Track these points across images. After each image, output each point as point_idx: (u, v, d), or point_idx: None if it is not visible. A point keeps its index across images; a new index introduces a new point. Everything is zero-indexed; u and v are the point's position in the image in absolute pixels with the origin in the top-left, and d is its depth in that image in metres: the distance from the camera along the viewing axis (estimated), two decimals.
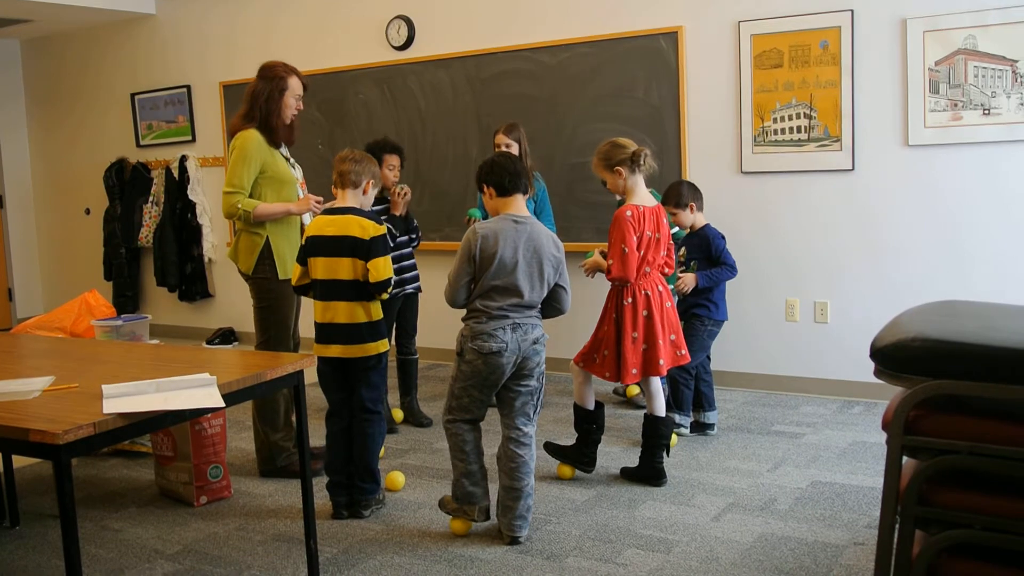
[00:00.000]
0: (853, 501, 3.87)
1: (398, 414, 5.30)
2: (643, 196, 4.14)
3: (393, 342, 5.26)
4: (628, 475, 4.23)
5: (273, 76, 4.34)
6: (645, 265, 4.10)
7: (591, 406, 4.25)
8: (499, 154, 3.80)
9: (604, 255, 4.22)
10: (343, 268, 3.79)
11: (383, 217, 5.00)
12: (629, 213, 4.04)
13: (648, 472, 4.16)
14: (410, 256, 5.20)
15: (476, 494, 3.65)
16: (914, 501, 2.35)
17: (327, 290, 3.84)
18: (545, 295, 3.63)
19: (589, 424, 4.25)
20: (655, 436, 4.18)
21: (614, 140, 4.19)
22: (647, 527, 3.69)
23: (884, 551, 2.42)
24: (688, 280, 4.74)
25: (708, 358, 4.91)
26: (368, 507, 3.92)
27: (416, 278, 5.26)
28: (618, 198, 4.39)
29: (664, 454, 4.19)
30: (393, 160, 5.09)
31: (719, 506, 3.88)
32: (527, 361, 3.57)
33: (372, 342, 3.86)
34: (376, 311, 3.87)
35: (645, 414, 4.24)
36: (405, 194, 4.99)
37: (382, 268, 3.75)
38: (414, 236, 5.19)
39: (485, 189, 3.68)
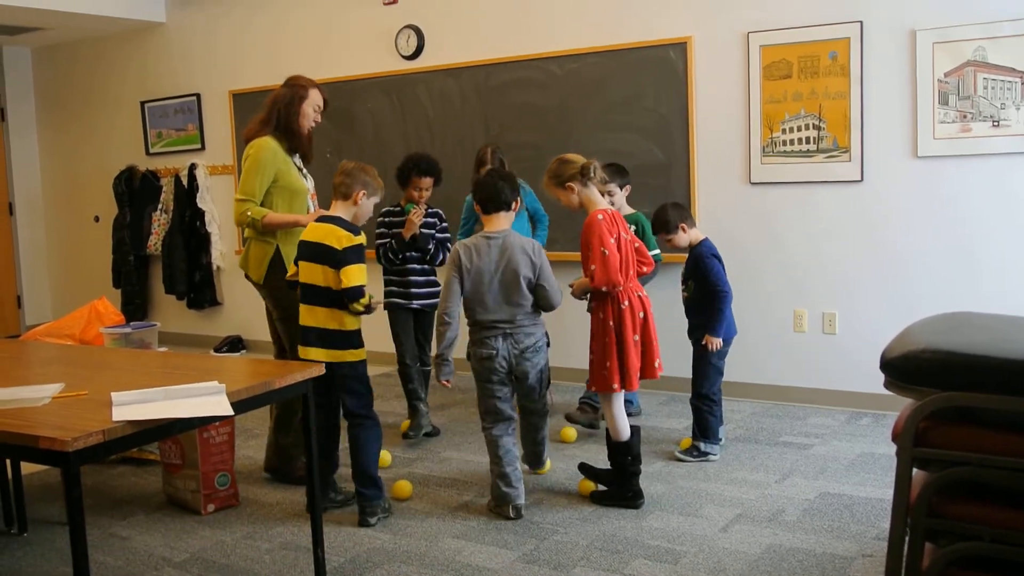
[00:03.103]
0: (862, 513, 3.86)
1: (405, 423, 5.30)
2: (603, 203, 4.09)
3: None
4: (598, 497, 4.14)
5: (296, 84, 4.43)
6: (629, 267, 4.05)
7: (625, 436, 4.07)
8: (488, 172, 4.27)
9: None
10: (318, 274, 3.86)
11: (392, 231, 5.10)
12: (600, 217, 3.97)
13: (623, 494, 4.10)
14: (425, 273, 5.20)
15: (509, 495, 3.96)
16: (924, 513, 2.35)
17: (306, 293, 3.92)
18: (530, 298, 3.97)
19: (624, 456, 4.06)
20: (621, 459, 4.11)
21: (561, 157, 4.12)
22: (655, 537, 3.68)
23: (894, 563, 2.41)
24: (712, 342, 4.57)
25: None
26: (374, 514, 3.92)
27: (435, 295, 5.23)
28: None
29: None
30: (423, 183, 5.06)
31: (727, 517, 3.87)
32: (522, 365, 3.99)
33: (343, 349, 3.88)
34: (350, 321, 3.88)
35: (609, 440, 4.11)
36: (417, 215, 5.00)
37: (352, 275, 3.77)
38: (428, 257, 5.15)
39: (476, 205, 4.11)
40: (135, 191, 8.62)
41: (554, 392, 6.00)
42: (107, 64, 8.83)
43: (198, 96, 8.20)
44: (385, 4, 6.96)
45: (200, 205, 8.19)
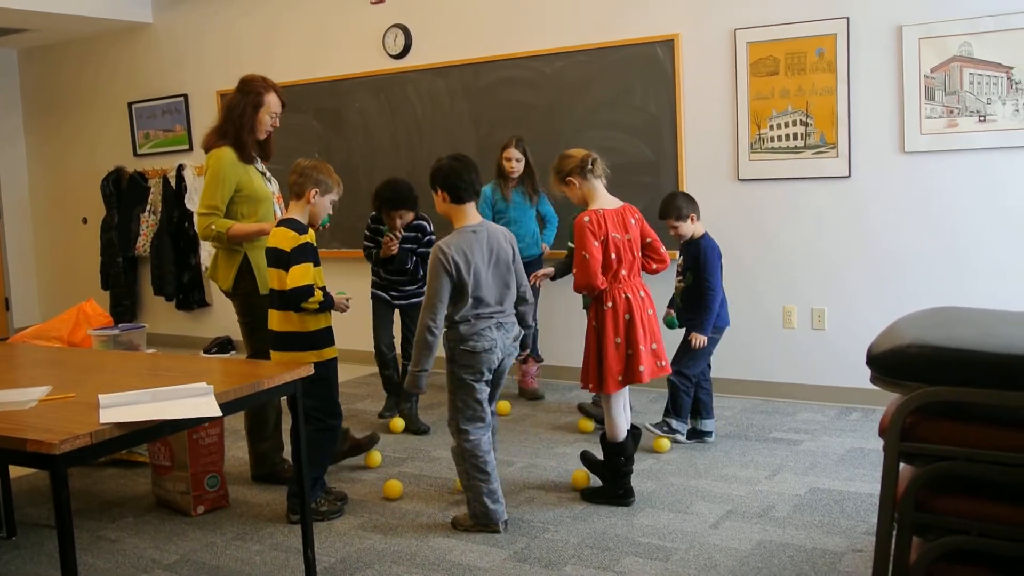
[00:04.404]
0: (851, 507, 3.87)
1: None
2: (604, 200, 4.08)
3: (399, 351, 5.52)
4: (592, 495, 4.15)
5: (250, 91, 4.28)
6: (621, 268, 4.02)
7: (620, 436, 4.07)
8: (453, 158, 3.81)
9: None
10: (273, 277, 3.86)
11: (376, 239, 5.25)
12: (587, 219, 3.97)
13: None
14: (411, 281, 5.37)
15: (498, 512, 3.76)
16: (911, 507, 2.35)
17: (270, 298, 3.93)
18: (515, 286, 3.82)
19: (617, 456, 4.06)
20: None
21: (563, 152, 4.15)
22: (645, 535, 3.69)
23: (882, 558, 2.42)
24: (698, 339, 4.70)
25: (708, 366, 4.90)
26: (295, 512, 3.89)
27: (418, 294, 5.39)
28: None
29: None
30: (395, 215, 5.15)
31: (717, 513, 3.88)
32: (507, 359, 3.81)
33: (301, 350, 3.85)
34: (311, 321, 3.86)
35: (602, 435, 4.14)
36: (390, 242, 5.14)
37: (294, 276, 3.75)
38: (409, 274, 5.31)
39: (438, 192, 3.77)
40: (123, 192, 8.59)
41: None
42: (94, 65, 8.80)
43: (185, 97, 8.18)
44: (372, 3, 6.95)
45: (188, 206, 8.16)
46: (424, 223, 5.30)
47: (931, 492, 2.36)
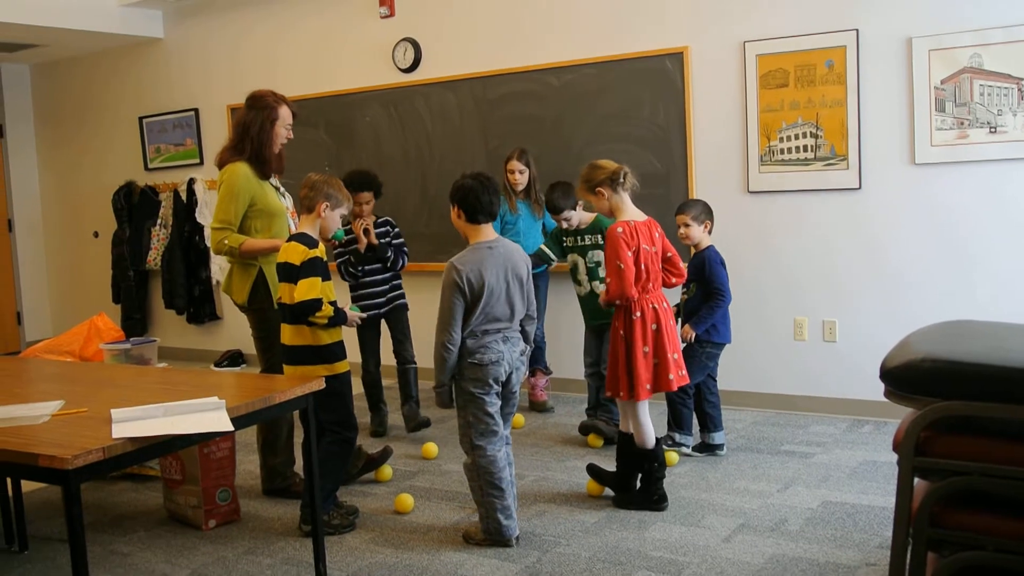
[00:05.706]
0: (864, 521, 3.85)
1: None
2: (632, 212, 4.12)
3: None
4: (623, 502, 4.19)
5: (263, 106, 4.30)
6: (649, 279, 4.08)
7: (651, 444, 4.11)
8: (475, 177, 3.79)
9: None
10: (284, 291, 3.86)
11: (349, 248, 5.29)
12: (620, 229, 4.01)
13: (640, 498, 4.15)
14: (386, 281, 5.45)
15: (511, 528, 3.75)
16: (926, 523, 2.34)
17: (282, 312, 3.95)
18: (526, 303, 3.83)
19: (651, 463, 4.11)
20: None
21: (593, 162, 4.19)
22: (657, 549, 3.67)
23: (897, 573, 2.40)
24: (685, 332, 4.74)
25: (713, 379, 4.88)
26: (307, 523, 3.88)
27: (402, 296, 5.54)
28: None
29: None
30: (361, 198, 5.22)
31: (729, 527, 3.86)
32: (515, 373, 3.79)
33: (313, 364, 3.87)
34: (320, 335, 3.87)
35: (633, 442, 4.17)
36: (365, 229, 5.21)
37: (300, 290, 3.76)
38: (390, 263, 5.37)
39: (455, 207, 3.80)
40: (134, 206, 8.63)
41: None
42: (105, 80, 8.85)
43: (196, 111, 8.21)
44: (382, 17, 6.98)
45: (199, 220, 8.19)
46: (389, 219, 5.47)
47: (946, 507, 2.35)
